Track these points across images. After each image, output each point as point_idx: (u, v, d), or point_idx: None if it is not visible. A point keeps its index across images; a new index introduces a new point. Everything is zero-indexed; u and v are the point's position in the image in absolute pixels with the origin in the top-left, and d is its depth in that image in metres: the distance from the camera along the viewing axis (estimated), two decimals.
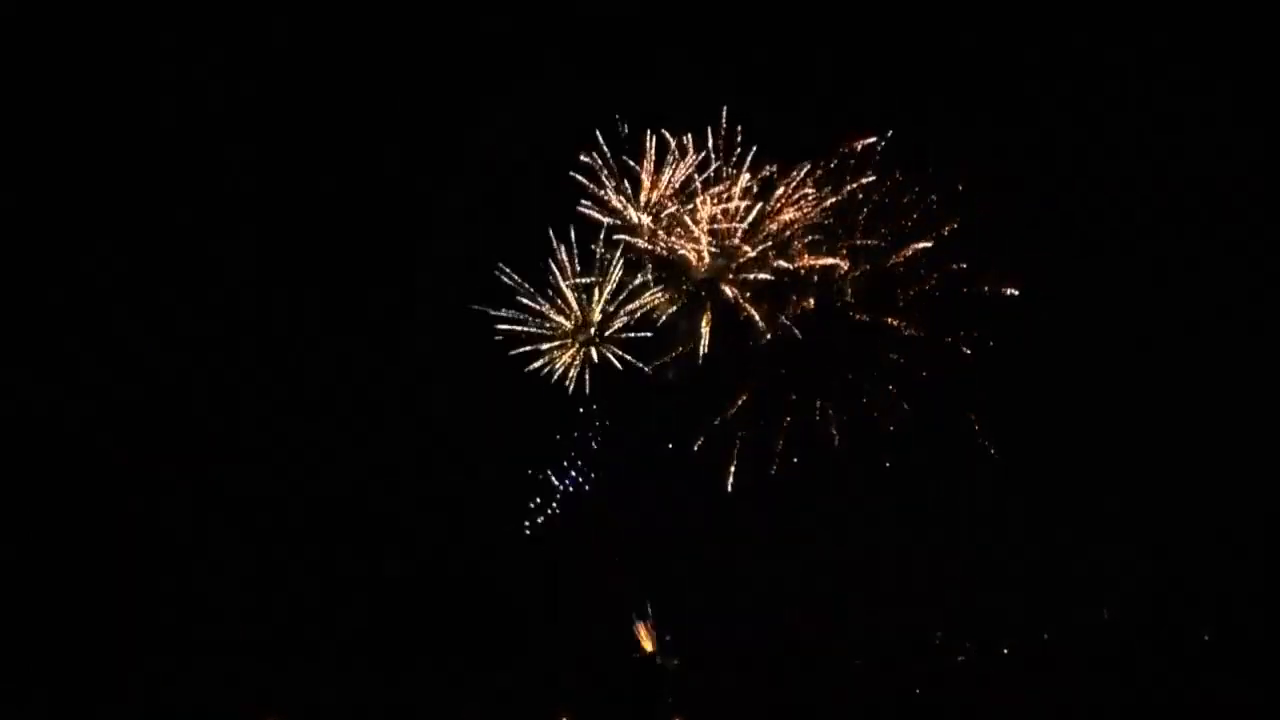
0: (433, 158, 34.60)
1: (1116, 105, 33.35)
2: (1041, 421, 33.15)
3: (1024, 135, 33.59)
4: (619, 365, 33.62)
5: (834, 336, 33.12)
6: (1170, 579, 32.26)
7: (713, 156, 32.52)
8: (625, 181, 33.11)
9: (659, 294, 33.72)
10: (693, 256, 33.27)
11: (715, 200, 32.81)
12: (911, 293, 32.78)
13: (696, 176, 32.64)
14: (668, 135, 32.49)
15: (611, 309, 33.72)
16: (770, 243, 32.87)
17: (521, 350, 33.35)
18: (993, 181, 32.29)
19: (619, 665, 32.30)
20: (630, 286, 33.62)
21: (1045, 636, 32.40)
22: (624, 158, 32.87)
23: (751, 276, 32.99)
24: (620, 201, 33.20)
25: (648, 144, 32.60)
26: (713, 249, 33.11)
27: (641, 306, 33.68)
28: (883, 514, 33.02)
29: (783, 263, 32.78)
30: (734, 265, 33.07)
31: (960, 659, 32.36)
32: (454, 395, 34.45)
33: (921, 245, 32.20)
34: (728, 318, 33.36)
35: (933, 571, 32.50)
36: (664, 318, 33.61)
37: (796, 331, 32.88)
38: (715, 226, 32.94)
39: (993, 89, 33.36)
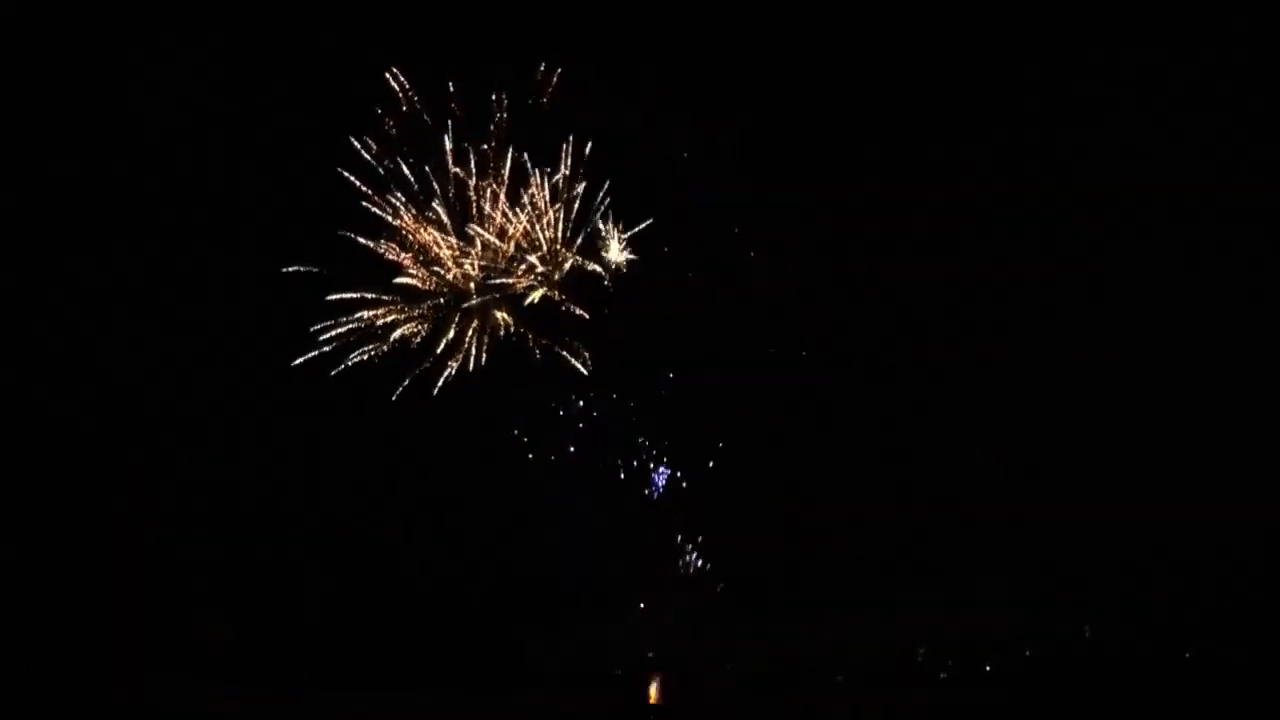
0: None
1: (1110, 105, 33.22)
2: (1030, 433, 33.26)
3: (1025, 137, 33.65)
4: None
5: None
6: (1156, 595, 32.20)
7: None
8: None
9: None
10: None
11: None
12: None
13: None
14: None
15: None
16: None
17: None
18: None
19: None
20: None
21: (1028, 653, 32.41)
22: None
23: None
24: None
25: None
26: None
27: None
28: (868, 523, 33.09)
29: None
30: None
31: (943, 675, 32.40)
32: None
33: None
34: None
35: (916, 587, 32.45)
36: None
37: None
38: None
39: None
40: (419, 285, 33.00)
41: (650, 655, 32.85)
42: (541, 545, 33.44)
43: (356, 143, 32.55)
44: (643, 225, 32.90)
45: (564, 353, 32.84)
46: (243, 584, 33.15)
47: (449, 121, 32.57)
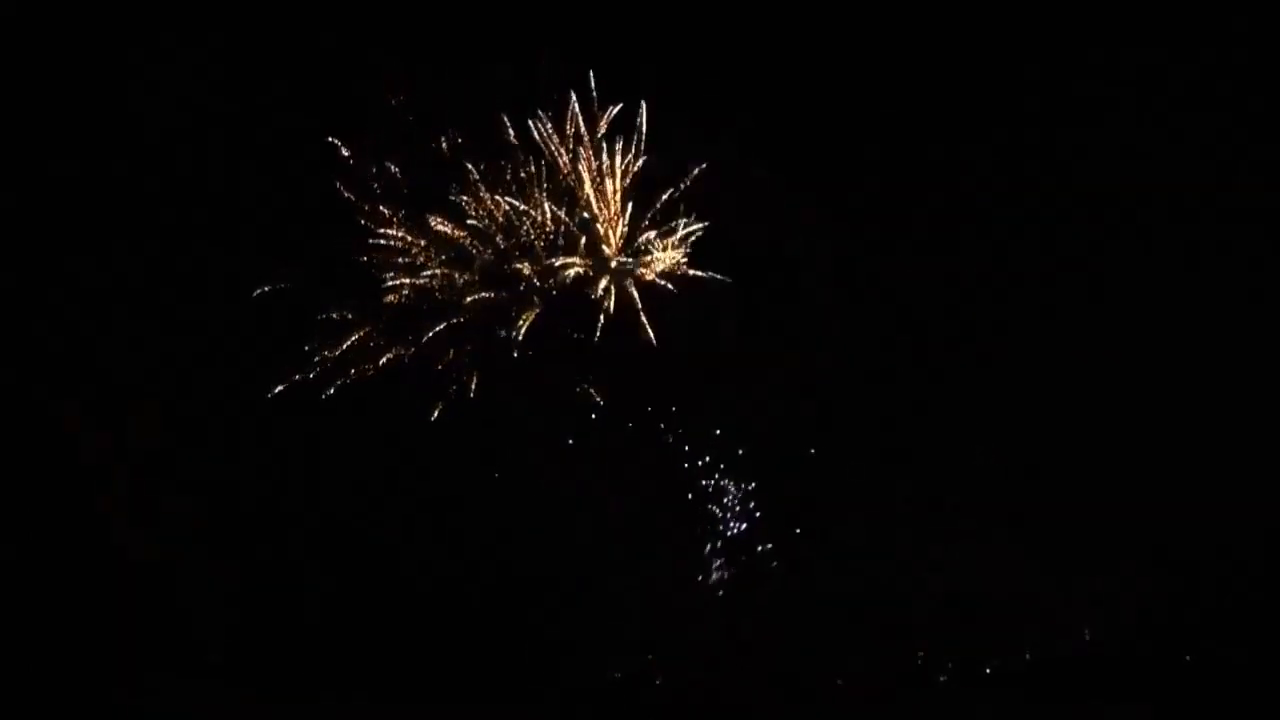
0: None
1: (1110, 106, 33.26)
2: (1026, 436, 33.26)
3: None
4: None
5: None
6: (1156, 595, 32.20)
7: None
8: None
9: None
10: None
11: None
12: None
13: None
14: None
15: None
16: None
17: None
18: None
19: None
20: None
21: (1028, 657, 32.41)
22: None
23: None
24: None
25: None
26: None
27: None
28: (866, 527, 33.04)
29: None
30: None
31: (943, 679, 32.39)
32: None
33: None
34: None
35: (915, 590, 32.44)
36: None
37: None
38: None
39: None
40: (411, 300, 32.93)
41: (650, 656, 32.88)
42: (542, 545, 33.45)
43: (349, 147, 32.64)
44: (686, 224, 32.70)
45: (587, 388, 32.84)
46: (243, 584, 33.22)
47: (446, 125, 32.65)
